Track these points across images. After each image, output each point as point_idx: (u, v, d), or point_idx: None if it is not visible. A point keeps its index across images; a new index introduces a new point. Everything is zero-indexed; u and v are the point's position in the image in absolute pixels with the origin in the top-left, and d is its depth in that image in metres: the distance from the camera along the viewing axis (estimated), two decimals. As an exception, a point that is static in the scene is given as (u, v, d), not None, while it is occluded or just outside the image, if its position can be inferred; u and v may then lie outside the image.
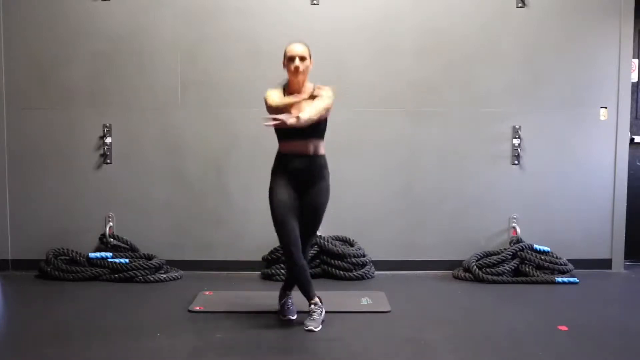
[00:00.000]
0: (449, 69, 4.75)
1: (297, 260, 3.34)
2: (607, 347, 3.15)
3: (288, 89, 3.39)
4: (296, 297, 3.56)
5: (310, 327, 3.33)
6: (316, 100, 3.23)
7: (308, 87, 3.36)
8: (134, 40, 4.68)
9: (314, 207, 3.38)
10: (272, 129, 3.30)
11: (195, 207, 4.76)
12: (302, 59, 3.32)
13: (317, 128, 3.32)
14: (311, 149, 3.35)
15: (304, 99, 3.24)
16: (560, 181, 4.83)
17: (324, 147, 3.40)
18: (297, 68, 3.30)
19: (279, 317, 3.52)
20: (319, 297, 3.47)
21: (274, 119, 3.08)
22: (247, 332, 3.34)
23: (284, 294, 3.57)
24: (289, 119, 3.08)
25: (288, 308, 3.53)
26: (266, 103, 3.32)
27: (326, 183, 3.41)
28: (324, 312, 3.46)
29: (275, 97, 3.32)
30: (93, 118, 4.71)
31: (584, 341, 3.24)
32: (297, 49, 3.33)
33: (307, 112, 3.16)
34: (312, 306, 3.43)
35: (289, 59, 3.34)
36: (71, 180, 4.72)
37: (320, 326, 3.37)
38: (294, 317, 3.49)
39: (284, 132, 3.31)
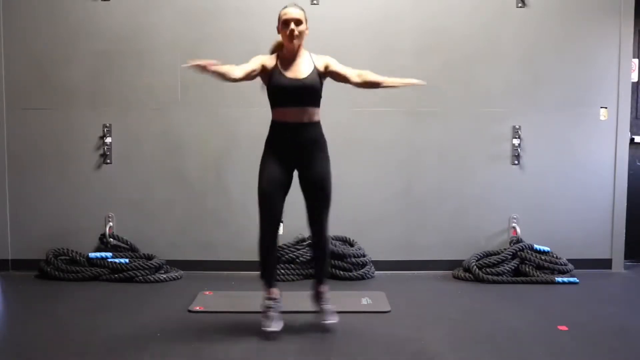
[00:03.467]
0: (449, 69, 4.75)
1: (270, 238, 3.24)
2: (607, 347, 3.15)
3: (283, 56, 3.25)
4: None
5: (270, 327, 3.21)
6: (343, 69, 3.26)
7: (304, 54, 3.25)
8: (134, 40, 4.68)
9: (318, 179, 3.25)
10: (267, 96, 3.26)
11: (195, 207, 4.76)
12: (298, 22, 3.16)
13: (312, 94, 3.20)
14: (305, 116, 3.19)
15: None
16: (560, 181, 4.83)
17: (318, 115, 3.26)
18: (292, 32, 3.14)
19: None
20: (279, 293, 3.33)
21: (195, 65, 2.93)
22: (247, 332, 3.33)
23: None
24: (212, 65, 2.95)
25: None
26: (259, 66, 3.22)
27: (325, 153, 3.29)
28: (278, 309, 3.31)
29: (259, 60, 3.21)
30: (93, 118, 4.71)
31: (584, 341, 3.24)
32: (292, 11, 3.18)
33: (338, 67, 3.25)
34: (268, 301, 3.29)
35: (283, 23, 3.17)
36: (71, 180, 4.72)
37: (274, 326, 3.23)
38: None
39: (276, 98, 3.21)
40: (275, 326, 3.26)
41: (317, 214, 3.30)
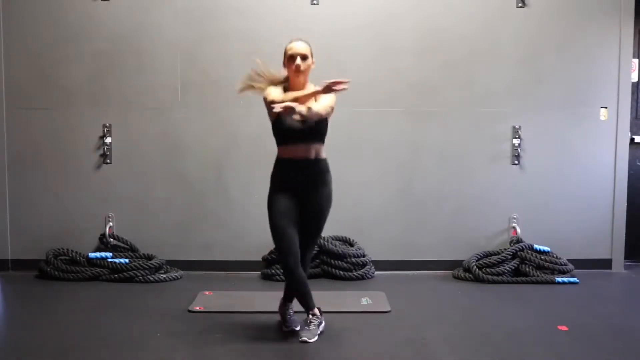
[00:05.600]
0: (449, 69, 4.75)
1: (295, 271, 3.17)
2: (607, 347, 3.15)
3: (289, 89, 3.24)
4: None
5: (304, 338, 3.16)
6: (322, 98, 3.16)
7: (309, 88, 3.23)
8: (134, 40, 4.68)
9: (315, 214, 3.25)
10: (272, 134, 3.25)
11: (195, 207, 4.76)
12: (304, 57, 3.17)
13: (319, 131, 3.20)
14: (312, 153, 3.21)
15: (306, 95, 3.12)
16: (560, 181, 4.83)
17: (324, 151, 3.28)
18: (298, 67, 3.15)
19: (281, 329, 3.38)
20: (319, 309, 3.33)
21: (285, 107, 2.93)
22: (247, 332, 3.34)
23: (284, 304, 3.42)
24: (299, 107, 2.96)
25: (290, 318, 3.39)
26: (265, 100, 3.19)
27: (328, 189, 3.29)
28: (323, 324, 3.30)
29: (276, 93, 3.18)
30: (93, 118, 4.71)
31: (584, 341, 3.24)
32: (298, 46, 3.19)
33: (317, 106, 3.09)
34: (310, 317, 3.27)
35: (289, 58, 3.19)
36: (71, 180, 4.72)
37: (316, 337, 3.20)
38: (298, 327, 3.32)
39: (284, 136, 3.21)
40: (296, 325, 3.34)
41: (305, 245, 3.27)
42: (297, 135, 3.17)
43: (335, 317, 3.54)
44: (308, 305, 3.30)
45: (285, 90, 3.25)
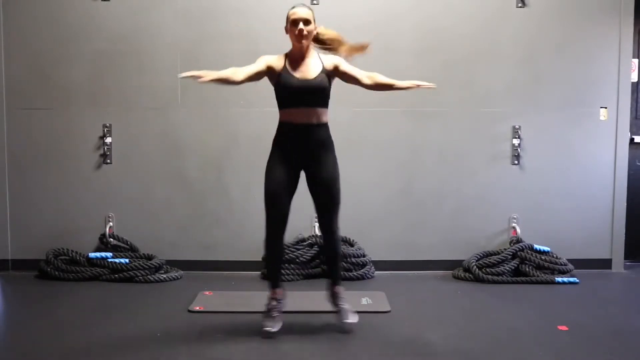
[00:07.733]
0: (449, 69, 4.75)
1: (277, 241, 3.26)
2: (607, 347, 3.15)
3: (291, 56, 3.24)
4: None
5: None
6: (354, 68, 3.27)
7: (313, 54, 3.25)
8: (134, 40, 4.68)
9: (326, 180, 3.22)
10: (275, 97, 3.26)
11: (195, 207, 4.76)
12: (307, 22, 3.15)
13: (321, 94, 3.19)
14: (314, 117, 3.18)
15: (398, 86, 3.35)
16: (560, 181, 4.83)
17: (327, 117, 3.25)
18: (300, 31, 3.12)
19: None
20: (283, 293, 3.38)
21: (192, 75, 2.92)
22: (247, 332, 3.33)
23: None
24: (206, 75, 2.92)
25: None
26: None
27: (332, 155, 3.26)
28: (280, 309, 3.35)
29: (264, 61, 3.19)
30: (93, 118, 4.71)
31: (584, 341, 3.24)
32: (301, 11, 3.16)
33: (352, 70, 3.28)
34: (272, 301, 3.33)
35: (292, 23, 3.16)
36: (71, 180, 4.72)
37: (274, 327, 3.26)
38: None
39: (284, 99, 3.20)
40: (275, 327, 3.29)
41: (327, 215, 3.28)
42: (298, 99, 3.16)
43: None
44: (273, 282, 3.35)
45: (288, 56, 3.24)
